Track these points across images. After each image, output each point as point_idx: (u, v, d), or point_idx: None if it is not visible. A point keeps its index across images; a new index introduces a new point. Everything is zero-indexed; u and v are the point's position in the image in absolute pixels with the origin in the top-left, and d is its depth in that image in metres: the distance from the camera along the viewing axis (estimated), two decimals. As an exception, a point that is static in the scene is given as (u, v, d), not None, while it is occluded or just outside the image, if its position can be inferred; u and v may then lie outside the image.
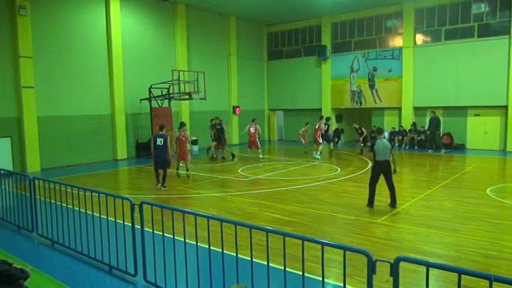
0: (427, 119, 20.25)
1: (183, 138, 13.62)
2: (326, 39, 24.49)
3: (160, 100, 19.15)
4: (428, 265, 3.05)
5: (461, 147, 20.08)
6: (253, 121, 17.85)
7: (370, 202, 9.19)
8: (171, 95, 18.16)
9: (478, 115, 19.90)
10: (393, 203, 9.11)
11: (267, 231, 4.01)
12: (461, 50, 19.87)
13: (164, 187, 11.83)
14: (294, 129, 25.99)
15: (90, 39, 17.74)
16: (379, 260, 3.17)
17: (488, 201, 9.47)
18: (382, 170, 9.04)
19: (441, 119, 20.31)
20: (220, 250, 4.37)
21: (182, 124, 13.88)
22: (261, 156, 17.44)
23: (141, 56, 19.68)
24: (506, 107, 18.98)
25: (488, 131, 19.60)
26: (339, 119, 24.89)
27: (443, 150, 18.98)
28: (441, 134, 20.08)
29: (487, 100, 19.29)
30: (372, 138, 20.13)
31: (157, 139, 11.62)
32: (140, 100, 18.99)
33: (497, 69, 18.93)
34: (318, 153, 17.84)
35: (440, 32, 20.65)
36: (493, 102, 19.22)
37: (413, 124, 21.31)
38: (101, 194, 5.85)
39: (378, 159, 9.05)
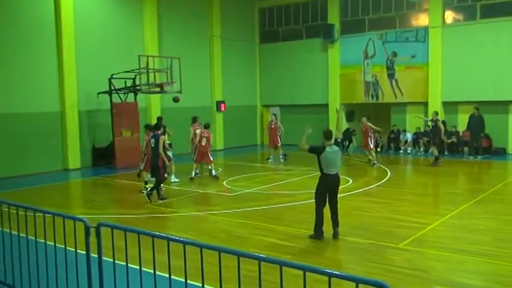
0: (459, 117, 20.46)
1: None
2: (333, 17, 24.64)
3: (124, 94, 19.09)
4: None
5: (501, 152, 20.29)
6: (205, 127, 15.81)
7: (319, 231, 8.61)
8: (138, 87, 18.10)
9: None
10: (337, 232, 8.66)
11: (260, 259, 4.00)
12: (501, 30, 20.12)
13: (161, 199, 12.26)
14: (293, 130, 25.98)
15: (33, 18, 17.65)
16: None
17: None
18: (333, 186, 8.71)
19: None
20: (200, 284, 4.35)
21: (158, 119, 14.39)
22: (214, 173, 15.80)
23: (99, 39, 19.61)
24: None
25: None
26: (350, 117, 24.97)
27: (479, 157, 19.12)
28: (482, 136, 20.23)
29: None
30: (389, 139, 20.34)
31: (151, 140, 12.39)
32: (98, 94, 18.91)
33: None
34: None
35: (475, 8, 20.90)
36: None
37: (443, 123, 21.46)
38: (46, 214, 5.78)
39: (328, 172, 8.62)
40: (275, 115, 20.66)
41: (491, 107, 20.61)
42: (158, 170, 12.30)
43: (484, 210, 10.77)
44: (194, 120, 16.36)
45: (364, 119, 18.59)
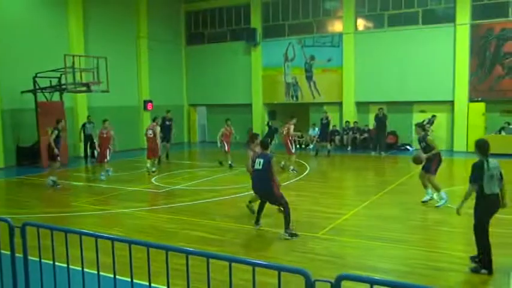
0: (371, 116, 21.41)
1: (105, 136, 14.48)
2: (256, 22, 24.92)
3: (49, 93, 18.23)
4: (373, 282, 3.21)
5: (406, 148, 21.48)
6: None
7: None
8: (64, 86, 17.38)
9: (423, 111, 21.45)
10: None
11: (187, 252, 3.97)
12: (405, 37, 21.31)
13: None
14: (219, 129, 25.99)
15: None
16: (319, 280, 3.28)
17: (436, 207, 10.21)
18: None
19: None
20: (129, 279, 4.25)
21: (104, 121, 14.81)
22: (110, 173, 14.98)
23: (22, 37, 18.51)
24: (452, 103, 20.68)
25: (434, 129, 21.22)
26: (272, 116, 25.40)
27: (383, 153, 20.05)
28: (386, 134, 21.30)
29: (432, 95, 20.89)
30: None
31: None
32: (22, 92, 17.88)
33: (443, 60, 20.58)
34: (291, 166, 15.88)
35: (384, 17, 21.98)
36: (438, 97, 20.85)
37: (355, 122, 22.40)
38: (-33, 215, 5.40)
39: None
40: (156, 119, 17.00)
41: (398, 106, 21.80)
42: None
43: (392, 200, 11.35)
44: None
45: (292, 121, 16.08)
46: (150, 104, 24.48)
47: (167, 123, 18.97)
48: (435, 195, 10.48)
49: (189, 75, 27.54)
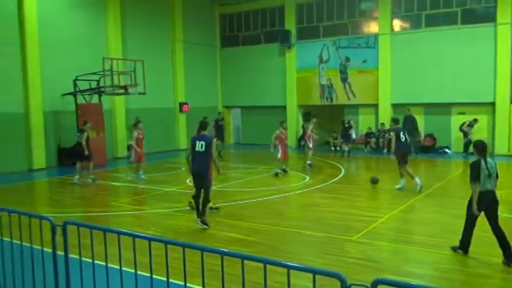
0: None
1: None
2: (290, 24, 24.87)
3: (89, 95, 18.71)
4: (410, 287, 3.15)
5: (444, 151, 20.96)
6: (137, 124, 15.20)
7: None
8: (102, 89, 17.79)
9: (463, 113, 20.87)
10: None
11: (222, 253, 4.00)
12: (443, 38, 20.80)
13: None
14: (253, 131, 26.16)
15: (-3, 19, 17.02)
16: (355, 284, 3.25)
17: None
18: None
19: (422, 117, 21.17)
20: (165, 279, 4.31)
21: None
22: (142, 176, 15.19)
23: (63, 41, 19.08)
24: (493, 105, 20.06)
25: (474, 132, 20.61)
26: (306, 118, 25.26)
27: (419, 154, 19.69)
28: (420, 135, 20.94)
29: (472, 96, 20.28)
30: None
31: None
32: (63, 95, 18.42)
33: (483, 61, 19.96)
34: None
35: (421, 17, 21.53)
36: (478, 99, 20.24)
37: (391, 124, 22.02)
38: (12, 214, 5.60)
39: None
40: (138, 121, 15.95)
41: (436, 108, 21.30)
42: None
43: (430, 204, 11.10)
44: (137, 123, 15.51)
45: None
46: (185, 106, 24.80)
47: (219, 123, 20.81)
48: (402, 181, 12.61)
49: (223, 77, 27.74)
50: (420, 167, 17.99)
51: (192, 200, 9.74)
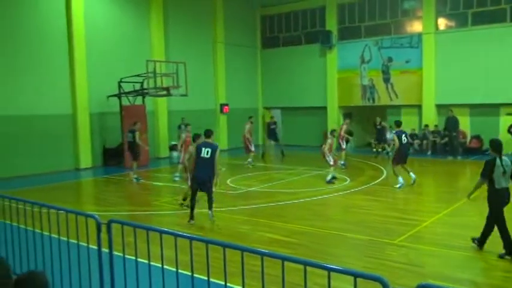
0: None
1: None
2: (331, 24, 24.64)
3: (133, 97, 19.13)
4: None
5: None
6: (186, 126, 15.33)
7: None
8: (146, 91, 18.14)
9: (511, 114, 20.08)
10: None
11: (262, 254, 4.00)
12: (491, 36, 20.07)
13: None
14: (294, 132, 26.06)
15: (46, 24, 17.67)
16: (397, 289, 3.18)
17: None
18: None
19: (468, 119, 20.53)
20: (206, 278, 4.35)
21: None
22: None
23: (108, 44, 19.65)
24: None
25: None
26: (347, 119, 24.94)
27: (459, 157, 19.14)
28: (465, 136, 20.34)
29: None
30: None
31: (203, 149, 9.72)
32: (108, 97, 18.93)
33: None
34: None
35: (467, 15, 20.87)
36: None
37: (435, 125, 21.49)
38: (60, 211, 5.79)
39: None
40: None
41: (482, 109, 20.58)
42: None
43: (475, 208, 10.72)
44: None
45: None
46: (226, 107, 25.01)
47: (271, 127, 21.64)
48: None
49: (264, 78, 27.80)
50: (466, 170, 17.47)
51: (184, 202, 10.69)
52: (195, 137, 10.38)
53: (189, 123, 15.79)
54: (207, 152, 9.38)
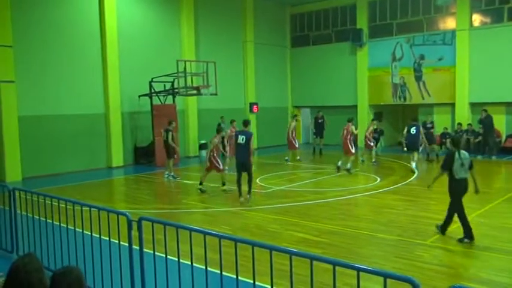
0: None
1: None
2: (362, 22, 24.37)
3: (163, 96, 19.35)
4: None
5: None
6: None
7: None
8: (176, 90, 18.34)
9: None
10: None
11: (291, 253, 3.99)
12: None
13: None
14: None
15: (80, 25, 18.06)
16: (428, 290, 3.12)
17: None
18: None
19: (503, 117, 19.98)
20: (235, 276, 4.37)
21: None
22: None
23: (140, 44, 19.94)
24: None
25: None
26: (378, 118, 24.62)
27: (494, 157, 18.65)
28: (500, 135, 19.89)
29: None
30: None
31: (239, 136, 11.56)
32: (139, 96, 19.21)
33: None
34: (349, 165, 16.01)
35: (503, 11, 20.29)
36: None
37: (468, 124, 20.97)
38: (92, 208, 5.92)
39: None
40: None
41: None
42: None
43: (510, 209, 10.45)
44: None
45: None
46: (255, 106, 25.03)
47: (319, 121, 21.91)
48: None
49: (293, 77, 27.72)
50: (501, 170, 17.00)
51: (201, 186, 12.86)
52: (245, 122, 11.96)
53: (234, 119, 17.65)
54: (243, 138, 11.26)
